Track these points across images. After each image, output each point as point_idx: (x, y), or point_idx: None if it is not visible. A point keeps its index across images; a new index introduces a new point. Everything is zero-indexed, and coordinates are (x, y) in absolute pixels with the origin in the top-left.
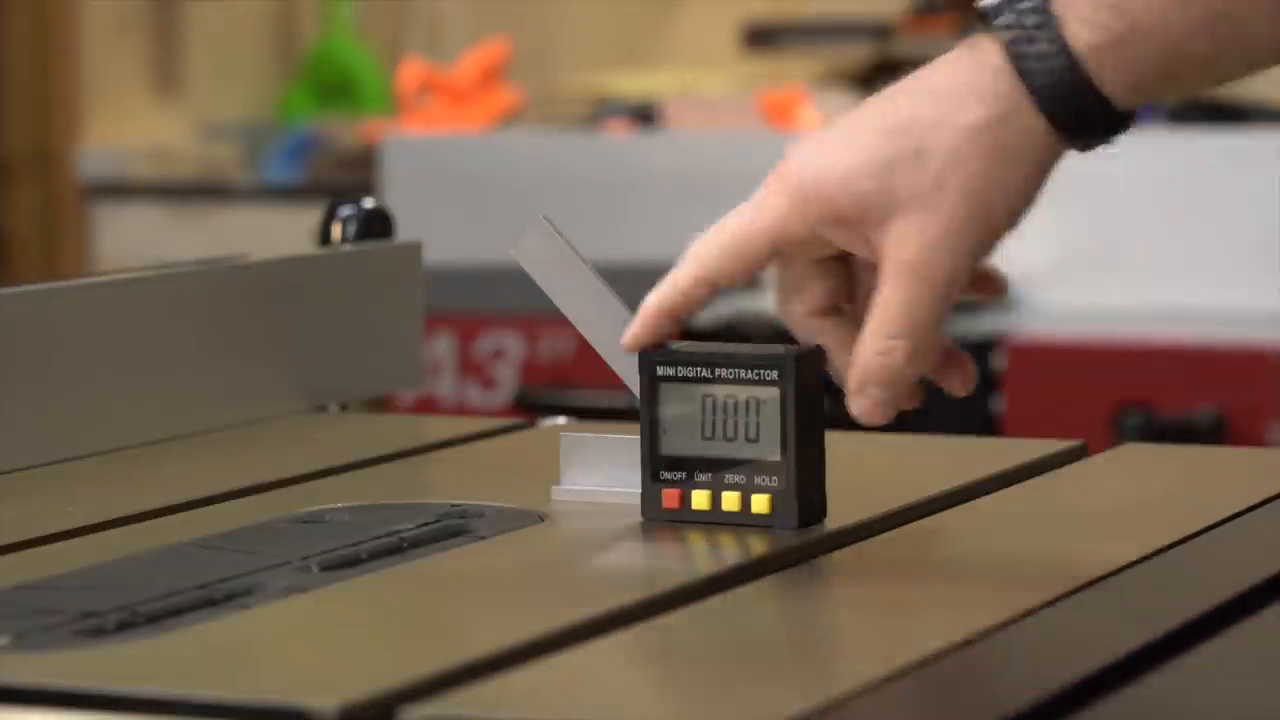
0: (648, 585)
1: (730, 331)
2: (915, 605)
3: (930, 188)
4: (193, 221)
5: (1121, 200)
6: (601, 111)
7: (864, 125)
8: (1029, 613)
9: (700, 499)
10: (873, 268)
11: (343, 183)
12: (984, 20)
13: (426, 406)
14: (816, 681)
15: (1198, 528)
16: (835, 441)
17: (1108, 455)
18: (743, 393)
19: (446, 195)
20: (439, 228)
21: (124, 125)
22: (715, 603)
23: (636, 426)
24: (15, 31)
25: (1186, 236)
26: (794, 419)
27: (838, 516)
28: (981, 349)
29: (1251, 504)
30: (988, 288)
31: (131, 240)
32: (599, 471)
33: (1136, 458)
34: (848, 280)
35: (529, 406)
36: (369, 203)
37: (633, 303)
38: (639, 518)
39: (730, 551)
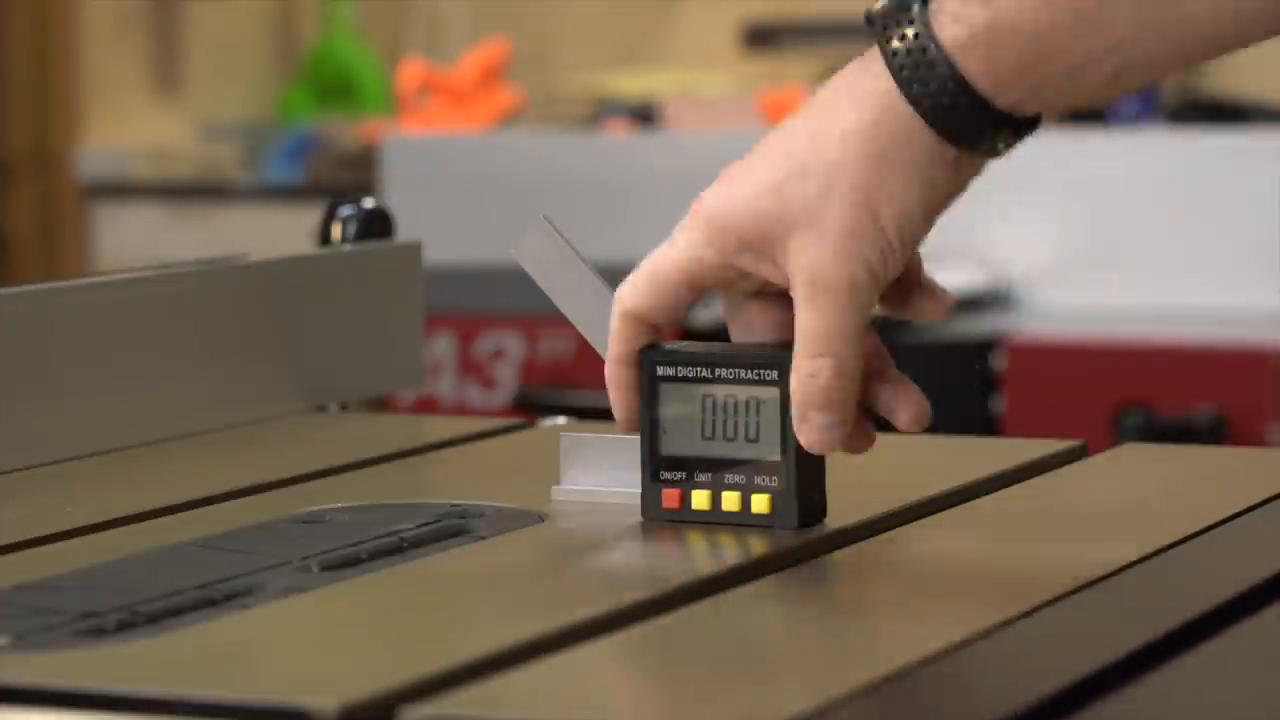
0: (647, 585)
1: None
2: (915, 605)
3: (816, 200)
4: (193, 221)
5: (1121, 200)
6: (601, 111)
7: (762, 150)
8: (1029, 613)
9: (700, 499)
10: None
11: (343, 183)
12: (868, 25)
13: (426, 406)
14: (816, 682)
15: (1198, 528)
16: None
17: (1108, 455)
18: (742, 393)
19: (446, 195)
20: (439, 228)
21: (124, 125)
22: (715, 603)
23: None
24: (15, 31)
25: (1186, 236)
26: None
27: (838, 516)
28: (981, 349)
29: (1251, 504)
30: (932, 305)
31: (131, 240)
32: (599, 471)
33: (1136, 458)
34: (791, 312)
35: (529, 406)
36: (369, 203)
37: None
38: (639, 518)
39: (730, 551)
